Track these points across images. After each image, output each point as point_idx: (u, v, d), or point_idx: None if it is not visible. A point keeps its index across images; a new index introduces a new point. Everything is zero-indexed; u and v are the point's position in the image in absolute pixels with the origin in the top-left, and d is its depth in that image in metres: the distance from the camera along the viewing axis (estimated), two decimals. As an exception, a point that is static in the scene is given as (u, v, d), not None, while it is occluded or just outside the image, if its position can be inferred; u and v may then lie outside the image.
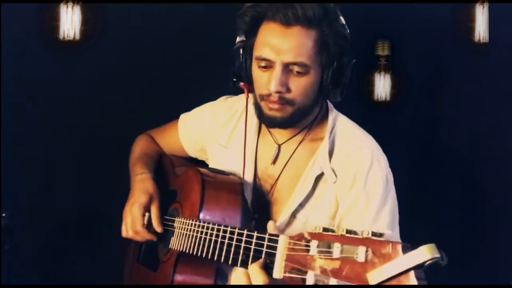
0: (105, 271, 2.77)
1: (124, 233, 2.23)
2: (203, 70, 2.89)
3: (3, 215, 2.43)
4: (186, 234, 1.95)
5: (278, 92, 1.92)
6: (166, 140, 2.52)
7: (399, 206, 2.04)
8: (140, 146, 2.50)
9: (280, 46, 1.89)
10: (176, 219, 2.08)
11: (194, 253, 1.88)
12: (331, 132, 2.07)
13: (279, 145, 2.13)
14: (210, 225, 1.82)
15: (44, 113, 2.91)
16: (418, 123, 3.10)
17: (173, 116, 2.49)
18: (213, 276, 2.00)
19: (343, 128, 2.10)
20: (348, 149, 2.05)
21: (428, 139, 3.11)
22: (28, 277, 2.85)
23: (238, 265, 1.64)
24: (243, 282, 1.59)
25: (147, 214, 2.18)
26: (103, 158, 2.94)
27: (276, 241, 1.48)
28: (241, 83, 2.07)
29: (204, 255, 1.82)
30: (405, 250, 1.16)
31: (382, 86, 3.10)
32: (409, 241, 1.19)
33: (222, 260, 1.73)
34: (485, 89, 3.02)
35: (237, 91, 2.19)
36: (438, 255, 1.12)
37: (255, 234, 1.60)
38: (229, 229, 1.73)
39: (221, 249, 1.74)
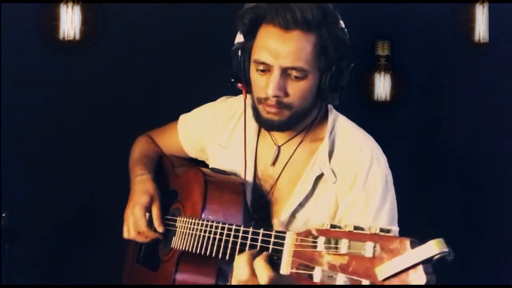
0: (105, 271, 2.76)
1: (126, 235, 2.23)
2: (203, 70, 2.88)
3: (3, 215, 2.43)
4: (189, 233, 1.95)
5: (276, 96, 1.92)
6: (165, 141, 2.52)
7: (399, 206, 2.04)
8: (139, 147, 2.50)
9: (279, 50, 1.88)
10: (178, 218, 2.08)
11: (198, 251, 1.88)
12: (331, 133, 2.08)
13: (279, 147, 2.13)
14: (214, 224, 1.82)
15: (44, 113, 2.91)
16: (418, 123, 3.10)
17: (173, 116, 2.49)
18: (214, 275, 2.00)
19: (343, 128, 2.10)
20: (348, 150, 2.05)
21: (428, 139, 3.11)
22: (28, 277, 2.85)
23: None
24: (246, 272, 1.57)
25: (147, 214, 2.18)
26: (103, 158, 2.94)
27: (283, 238, 1.49)
28: (239, 84, 2.07)
29: (208, 253, 1.82)
30: (413, 245, 1.16)
31: (382, 86, 3.11)
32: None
33: (227, 258, 1.74)
34: (485, 89, 3.02)
35: (236, 92, 2.18)
36: (446, 250, 1.12)
37: (262, 231, 1.60)
38: (234, 227, 1.74)
39: (225, 247, 1.75)
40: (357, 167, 2.00)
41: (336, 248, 1.28)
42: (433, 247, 1.12)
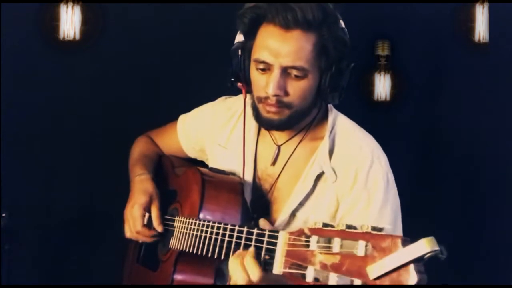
0: (105, 271, 2.76)
1: (127, 234, 2.23)
2: (203, 70, 2.88)
3: (3, 215, 2.44)
4: (186, 233, 1.95)
5: (276, 95, 1.91)
6: (165, 141, 2.52)
7: (399, 206, 2.04)
8: (139, 147, 2.50)
9: (279, 50, 1.88)
10: (176, 218, 2.08)
11: (194, 251, 1.88)
12: (331, 132, 2.07)
13: (279, 146, 2.13)
14: (210, 223, 1.83)
15: (44, 113, 2.91)
16: (418, 123, 3.10)
17: (173, 116, 2.49)
18: (213, 275, 2.00)
19: (343, 127, 2.09)
20: (348, 149, 2.04)
21: (428, 139, 3.11)
22: (28, 277, 2.85)
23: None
24: (240, 272, 1.60)
25: (147, 214, 2.18)
26: (103, 158, 2.94)
27: (276, 237, 1.49)
28: (239, 84, 2.06)
29: (204, 253, 1.83)
30: (405, 243, 1.17)
31: (382, 86, 3.11)
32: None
33: (222, 258, 1.74)
34: (485, 89, 3.02)
35: (236, 91, 2.18)
36: (437, 248, 1.12)
37: (255, 231, 1.61)
38: (229, 226, 1.74)
39: (221, 247, 1.76)
40: (357, 166, 2.00)
41: (329, 247, 1.28)
42: (424, 246, 1.12)
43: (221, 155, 2.25)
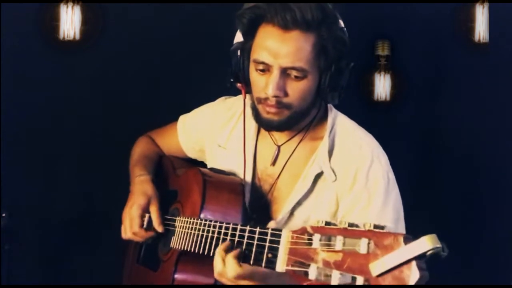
0: (105, 271, 2.76)
1: (123, 235, 2.23)
2: (203, 70, 2.89)
3: (3, 215, 2.44)
4: (187, 232, 1.95)
5: (275, 96, 1.91)
6: (165, 141, 2.51)
7: (399, 206, 2.04)
8: (139, 148, 2.50)
9: (278, 50, 1.87)
10: (177, 218, 2.08)
11: (196, 250, 1.88)
12: (330, 131, 2.07)
13: (279, 146, 2.13)
14: (212, 223, 1.82)
15: (44, 113, 2.91)
16: (418, 123, 3.10)
17: (173, 116, 2.49)
18: (213, 275, 1.99)
19: (343, 127, 2.09)
20: (348, 148, 2.04)
21: (428, 139, 3.11)
22: (28, 277, 2.85)
23: (241, 261, 1.65)
24: (219, 266, 1.69)
25: (147, 215, 2.18)
26: (103, 158, 2.94)
27: (279, 236, 1.49)
28: (238, 84, 2.06)
29: (206, 252, 1.82)
30: (407, 240, 1.17)
31: (382, 86, 3.11)
32: (410, 240, 1.20)
33: None
34: (485, 89, 3.02)
35: (236, 92, 2.18)
36: (439, 245, 1.12)
37: (258, 229, 1.61)
38: (231, 225, 1.74)
39: None
40: (357, 165, 1.99)
41: (331, 245, 1.28)
42: (426, 243, 1.12)
43: (220, 155, 2.24)
